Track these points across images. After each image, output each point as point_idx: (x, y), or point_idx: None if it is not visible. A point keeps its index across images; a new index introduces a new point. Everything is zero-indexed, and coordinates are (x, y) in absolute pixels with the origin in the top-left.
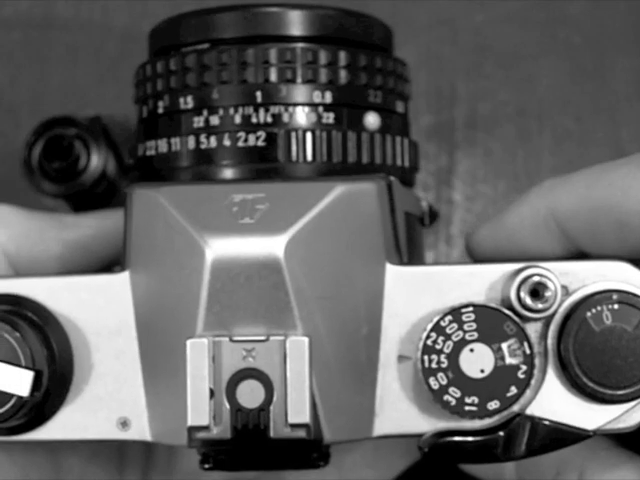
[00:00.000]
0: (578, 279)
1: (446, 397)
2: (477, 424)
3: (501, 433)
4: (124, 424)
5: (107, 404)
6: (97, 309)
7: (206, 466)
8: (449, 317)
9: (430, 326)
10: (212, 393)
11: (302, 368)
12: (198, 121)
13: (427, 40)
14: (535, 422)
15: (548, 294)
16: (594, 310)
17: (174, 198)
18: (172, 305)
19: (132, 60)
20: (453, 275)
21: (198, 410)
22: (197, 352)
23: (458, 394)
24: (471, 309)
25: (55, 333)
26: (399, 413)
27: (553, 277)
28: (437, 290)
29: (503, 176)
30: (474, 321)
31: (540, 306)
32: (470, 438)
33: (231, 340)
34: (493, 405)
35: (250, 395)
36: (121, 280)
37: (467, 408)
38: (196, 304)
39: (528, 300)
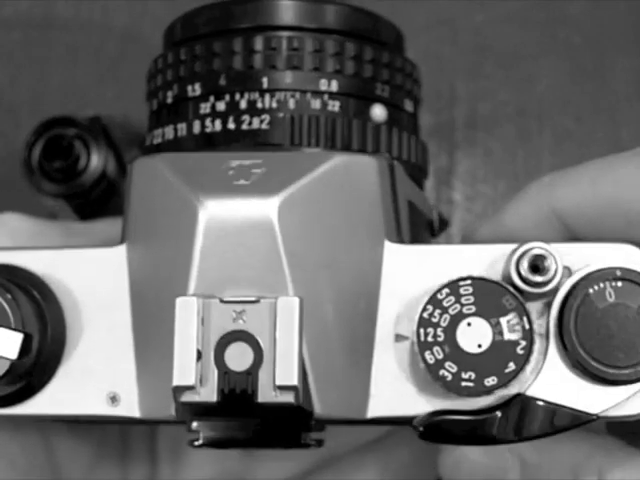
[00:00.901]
0: (581, 260)
1: (442, 372)
2: (475, 404)
3: (498, 413)
4: (113, 399)
5: (97, 378)
6: (93, 282)
7: (195, 443)
8: (446, 290)
9: (427, 299)
10: (199, 354)
11: (292, 329)
12: (205, 107)
13: (427, 40)
14: (535, 403)
15: (548, 266)
16: (596, 287)
17: (172, 163)
18: (165, 271)
19: (132, 60)
20: (453, 253)
21: (184, 370)
22: (186, 311)
23: (454, 369)
24: (469, 282)
25: (49, 303)
26: (395, 394)
27: (554, 252)
28: (437, 268)
29: (503, 176)
30: (472, 294)
31: (540, 279)
32: (466, 417)
33: (221, 301)
34: (490, 381)
35: (239, 358)
36: (118, 253)
37: (463, 384)
38: (188, 265)
39: (527, 273)
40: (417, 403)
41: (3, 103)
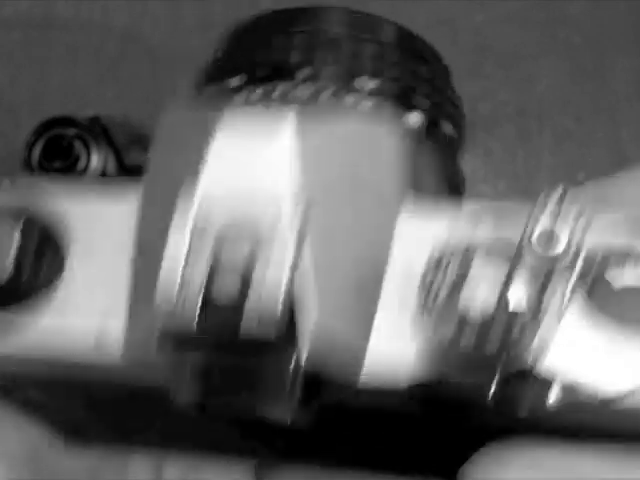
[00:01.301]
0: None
1: (442, 333)
2: (476, 373)
3: (495, 383)
4: (99, 341)
5: (88, 316)
6: (104, 219)
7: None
8: (459, 249)
9: (436, 256)
10: (189, 254)
11: (285, 253)
12: (239, 97)
13: (427, 40)
14: (542, 378)
15: (561, 234)
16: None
17: (200, 104)
18: (172, 189)
19: (132, 60)
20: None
21: (170, 263)
22: (185, 210)
23: (454, 331)
24: (484, 244)
25: (53, 233)
26: (395, 353)
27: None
28: (457, 227)
29: (503, 176)
30: (484, 257)
31: (555, 247)
32: (461, 382)
33: (222, 227)
34: (491, 349)
35: (227, 287)
36: (134, 190)
37: (463, 349)
38: (196, 172)
39: (540, 239)
40: (415, 365)
41: (3, 103)
